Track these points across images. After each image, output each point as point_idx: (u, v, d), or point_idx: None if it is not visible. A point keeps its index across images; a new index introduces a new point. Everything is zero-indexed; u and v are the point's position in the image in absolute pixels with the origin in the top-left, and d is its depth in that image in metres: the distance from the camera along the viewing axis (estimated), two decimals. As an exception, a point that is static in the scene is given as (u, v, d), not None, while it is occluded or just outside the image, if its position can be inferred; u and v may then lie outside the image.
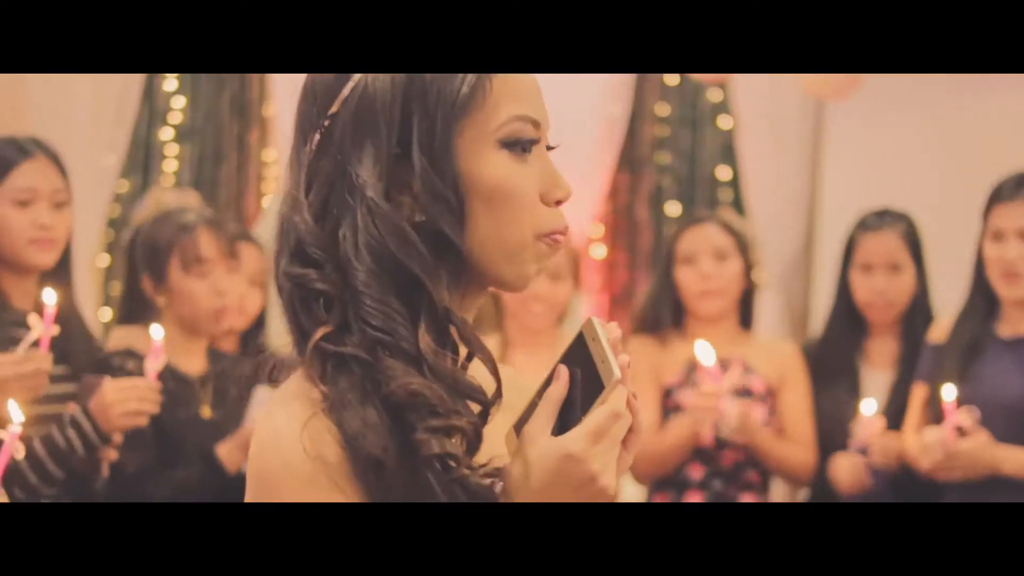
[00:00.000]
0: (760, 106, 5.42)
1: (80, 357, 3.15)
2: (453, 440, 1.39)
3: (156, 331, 3.09)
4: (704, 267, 3.95)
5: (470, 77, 1.44)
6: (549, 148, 1.52)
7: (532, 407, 1.45)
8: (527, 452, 1.40)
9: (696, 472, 3.86)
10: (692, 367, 3.81)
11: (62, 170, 3.16)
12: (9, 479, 2.74)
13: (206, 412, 3.37)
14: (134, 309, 3.42)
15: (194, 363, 3.42)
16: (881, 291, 3.92)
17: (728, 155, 5.65)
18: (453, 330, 1.44)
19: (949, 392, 3.40)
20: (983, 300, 3.58)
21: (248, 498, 1.42)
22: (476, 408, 1.44)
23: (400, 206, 1.43)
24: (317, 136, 1.46)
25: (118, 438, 3.04)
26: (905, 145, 5.26)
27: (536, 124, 1.48)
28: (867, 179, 5.29)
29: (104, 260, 5.39)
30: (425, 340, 1.41)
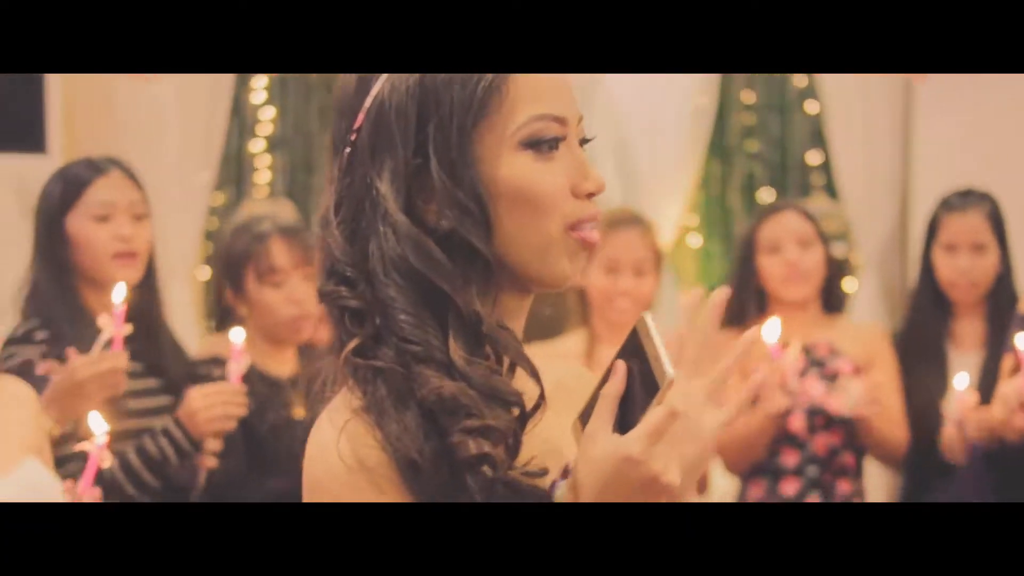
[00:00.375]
0: (847, 89, 5.39)
1: (171, 369, 3.22)
2: (490, 442, 1.40)
3: (236, 335, 3.15)
4: (789, 254, 3.95)
5: (484, 81, 1.45)
6: (585, 141, 1.52)
7: (593, 401, 1.46)
8: (588, 451, 1.41)
9: (790, 459, 3.85)
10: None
11: (138, 184, 3.23)
12: (108, 490, 2.80)
13: (299, 413, 3.40)
14: (224, 318, 3.47)
15: (284, 366, 3.46)
16: (965, 271, 3.89)
17: (817, 140, 5.63)
18: (489, 339, 1.44)
19: (1023, 341, 3.37)
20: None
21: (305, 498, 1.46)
22: (515, 412, 1.44)
23: (424, 213, 1.45)
24: (347, 152, 1.48)
25: (215, 445, 3.10)
26: (996, 124, 5.20)
27: (560, 121, 1.47)
28: (958, 159, 5.23)
29: (205, 273, 5.48)
30: (455, 348, 1.42)
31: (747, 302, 3.97)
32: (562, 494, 1.47)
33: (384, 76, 1.46)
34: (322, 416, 1.47)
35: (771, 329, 3.58)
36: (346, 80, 1.50)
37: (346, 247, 1.46)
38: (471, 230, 1.44)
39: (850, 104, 5.43)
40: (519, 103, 1.45)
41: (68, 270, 3.14)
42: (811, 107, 5.60)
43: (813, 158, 5.65)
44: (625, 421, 1.42)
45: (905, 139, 5.51)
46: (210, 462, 3.11)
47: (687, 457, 1.42)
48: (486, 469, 1.39)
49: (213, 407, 3.05)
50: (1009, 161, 5.08)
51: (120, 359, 2.89)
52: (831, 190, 5.61)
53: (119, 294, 2.89)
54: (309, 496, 1.45)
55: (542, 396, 1.47)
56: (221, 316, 3.49)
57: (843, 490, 3.86)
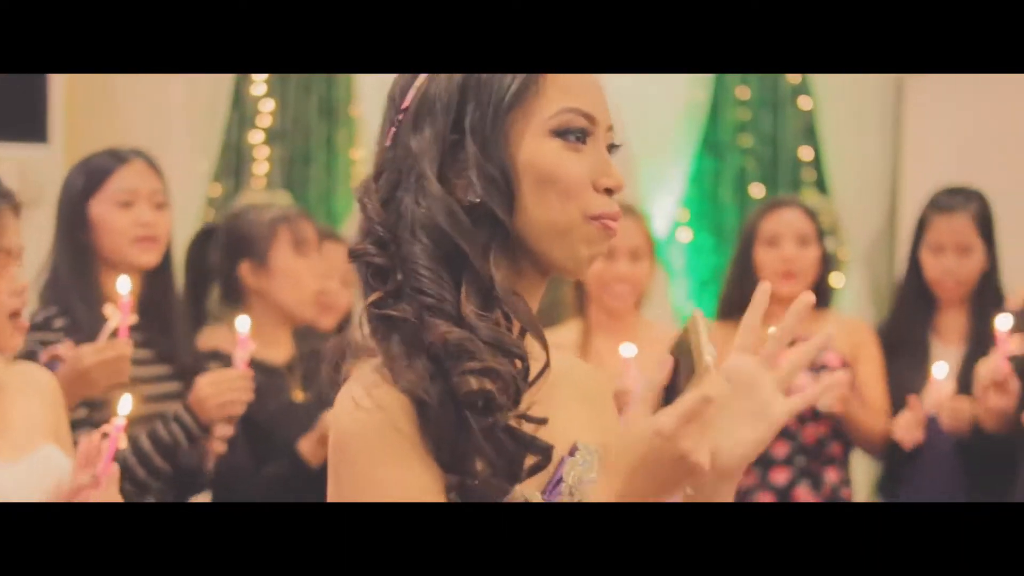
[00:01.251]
0: (840, 86, 5.47)
1: (183, 357, 3.29)
2: (491, 381, 1.50)
3: (242, 323, 3.21)
4: (787, 250, 4.02)
5: (521, 75, 1.58)
6: (614, 147, 1.63)
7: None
8: (626, 433, 1.50)
9: (780, 450, 3.93)
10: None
11: (159, 173, 3.32)
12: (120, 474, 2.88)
13: (298, 396, 3.50)
14: (227, 304, 3.56)
15: (280, 352, 3.55)
16: (950, 271, 3.97)
17: (810, 136, 5.69)
18: (501, 302, 1.56)
19: (1003, 321, 3.46)
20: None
21: (330, 466, 1.56)
22: (519, 365, 1.55)
23: (455, 187, 1.57)
24: (392, 130, 1.61)
25: (225, 430, 3.18)
26: (986, 121, 5.27)
27: (588, 117, 1.59)
28: (949, 155, 5.31)
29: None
30: (467, 303, 1.54)
31: (746, 293, 4.03)
32: (571, 472, 1.58)
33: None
34: (346, 383, 1.58)
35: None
36: (402, 75, 1.63)
37: (380, 210, 1.58)
38: (497, 203, 1.56)
39: (842, 101, 5.52)
40: (553, 94, 1.59)
41: (88, 257, 3.21)
42: (804, 103, 5.67)
43: (805, 154, 5.71)
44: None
45: (896, 136, 5.59)
46: (220, 447, 3.19)
47: (751, 439, 1.53)
48: (489, 406, 1.50)
49: (221, 393, 3.12)
50: (998, 159, 5.15)
51: (125, 347, 2.96)
52: (822, 186, 5.68)
53: (124, 285, 2.96)
54: (335, 454, 1.54)
55: (548, 363, 1.57)
56: (225, 300, 3.57)
57: (831, 478, 3.95)
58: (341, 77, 5.58)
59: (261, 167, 5.57)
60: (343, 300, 3.96)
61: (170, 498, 3.20)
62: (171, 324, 3.27)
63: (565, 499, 1.58)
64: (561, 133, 1.58)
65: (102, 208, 3.23)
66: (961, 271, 3.97)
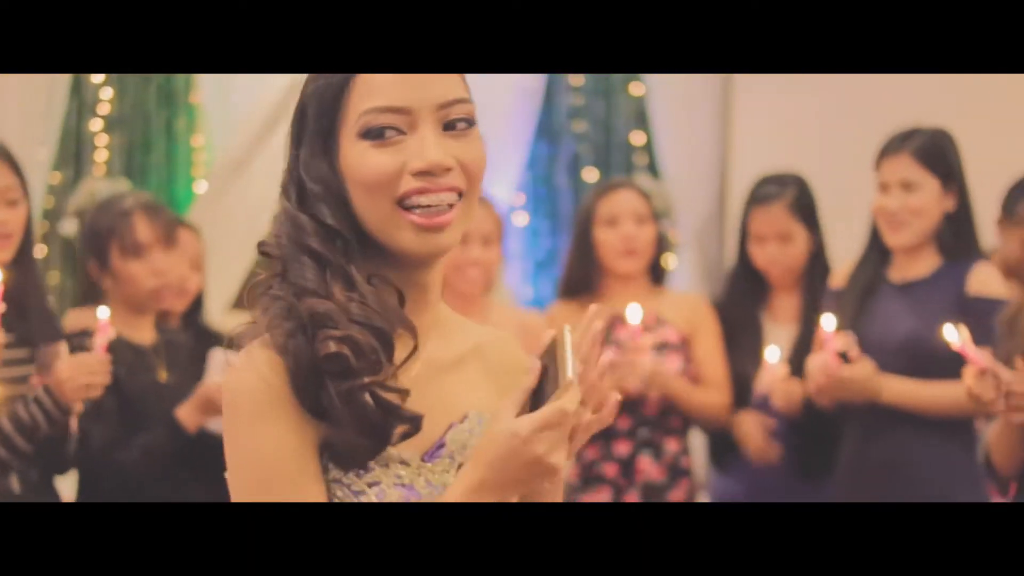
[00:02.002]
0: (670, 73, 5.63)
1: (41, 341, 3.34)
2: (349, 348, 1.65)
3: (102, 312, 3.33)
4: (625, 229, 4.17)
5: (335, 84, 1.73)
6: (457, 123, 1.73)
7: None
8: (491, 427, 1.66)
9: (623, 423, 4.08)
10: (610, 326, 4.03)
11: (14, 169, 3.34)
12: None
13: (162, 376, 3.62)
14: (88, 293, 3.66)
15: (144, 334, 3.66)
16: (775, 259, 4.15)
17: (642, 121, 5.86)
18: (366, 286, 1.71)
19: (828, 322, 3.64)
20: (876, 248, 3.84)
21: (224, 428, 1.72)
22: (379, 339, 1.69)
23: (302, 197, 1.74)
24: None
25: (79, 407, 3.26)
26: (810, 106, 5.48)
27: (397, 111, 1.71)
28: (776, 139, 5.51)
29: (41, 251, 5.51)
30: (334, 286, 1.70)
31: (587, 272, 4.19)
32: (455, 438, 1.74)
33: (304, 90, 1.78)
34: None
35: (634, 312, 3.79)
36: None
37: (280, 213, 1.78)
38: (330, 208, 1.73)
39: (673, 87, 5.69)
40: (358, 98, 1.72)
41: None
42: (636, 89, 5.83)
43: (637, 138, 5.88)
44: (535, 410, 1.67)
45: (724, 121, 5.78)
46: (75, 426, 3.25)
47: (571, 449, 1.69)
48: (342, 370, 1.65)
49: (79, 376, 3.20)
50: (823, 141, 5.37)
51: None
52: (654, 170, 5.85)
53: None
54: (223, 413, 1.71)
55: (415, 347, 1.73)
56: (85, 289, 3.66)
57: (671, 448, 4.11)
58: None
59: (101, 155, 5.57)
60: (193, 284, 4.06)
61: (33, 476, 3.29)
62: (28, 311, 3.31)
63: (445, 464, 1.72)
64: (365, 134, 1.72)
65: None
66: (785, 258, 4.15)
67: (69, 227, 5.34)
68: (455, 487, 1.67)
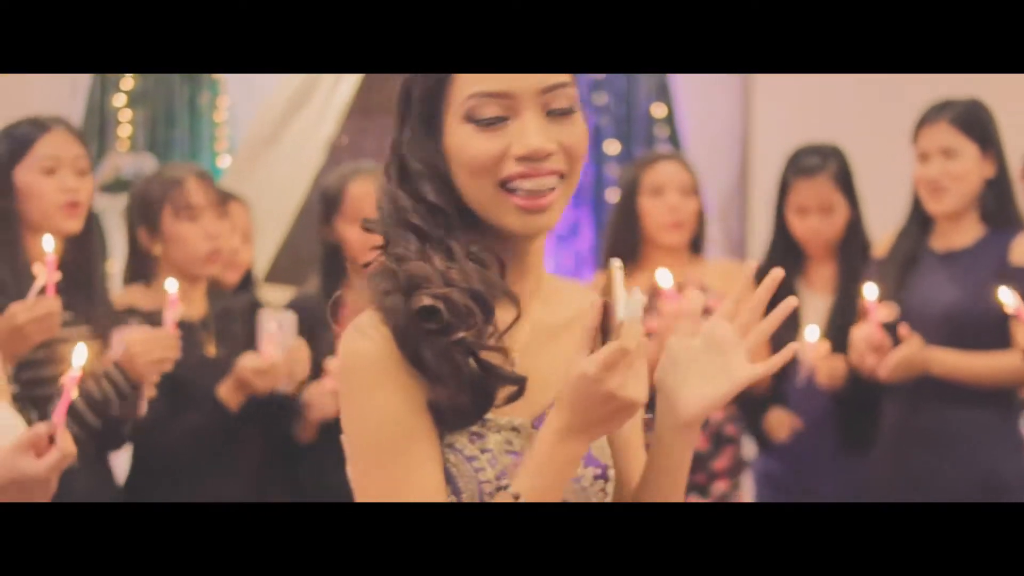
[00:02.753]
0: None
1: (102, 318, 3.36)
2: (445, 307, 1.71)
3: (171, 284, 3.31)
4: (671, 199, 4.17)
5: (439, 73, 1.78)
6: (557, 111, 1.77)
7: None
8: (566, 372, 1.69)
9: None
10: (651, 295, 4.03)
11: (81, 140, 3.40)
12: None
13: (211, 351, 3.61)
14: (136, 268, 3.65)
15: (194, 308, 3.63)
16: (816, 231, 4.13)
17: (663, 93, 5.87)
18: (470, 256, 1.76)
19: (871, 291, 3.65)
20: (918, 217, 3.85)
21: (339, 394, 1.78)
22: (479, 305, 1.75)
23: (411, 176, 1.79)
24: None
25: (150, 387, 3.28)
26: (832, 80, 5.48)
27: (501, 96, 1.75)
28: (798, 110, 5.52)
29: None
30: (435, 257, 1.75)
31: (628, 240, 4.18)
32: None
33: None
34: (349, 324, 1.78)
35: (664, 277, 3.77)
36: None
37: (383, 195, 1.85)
38: (435, 188, 1.78)
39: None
40: (464, 82, 1.77)
41: (13, 222, 3.27)
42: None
43: (658, 111, 5.89)
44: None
45: (746, 92, 5.79)
46: (144, 406, 3.28)
47: (712, 394, 1.77)
48: (438, 325, 1.70)
49: (152, 352, 3.23)
50: (842, 115, 5.38)
51: (54, 304, 3.03)
52: (675, 142, 5.86)
53: (49, 243, 3.02)
54: (340, 378, 1.77)
55: (519, 314, 1.77)
56: (133, 264, 3.66)
57: (715, 415, 4.12)
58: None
59: (125, 129, 5.58)
60: (244, 257, 4.05)
61: (90, 451, 3.28)
62: (92, 287, 3.34)
63: None
64: (471, 118, 1.76)
65: (28, 175, 3.29)
66: (827, 230, 4.13)
67: (97, 202, 5.34)
68: (544, 433, 1.69)
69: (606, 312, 1.68)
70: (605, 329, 1.68)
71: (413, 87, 1.79)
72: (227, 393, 3.51)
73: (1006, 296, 3.11)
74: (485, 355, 1.72)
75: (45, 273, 3.00)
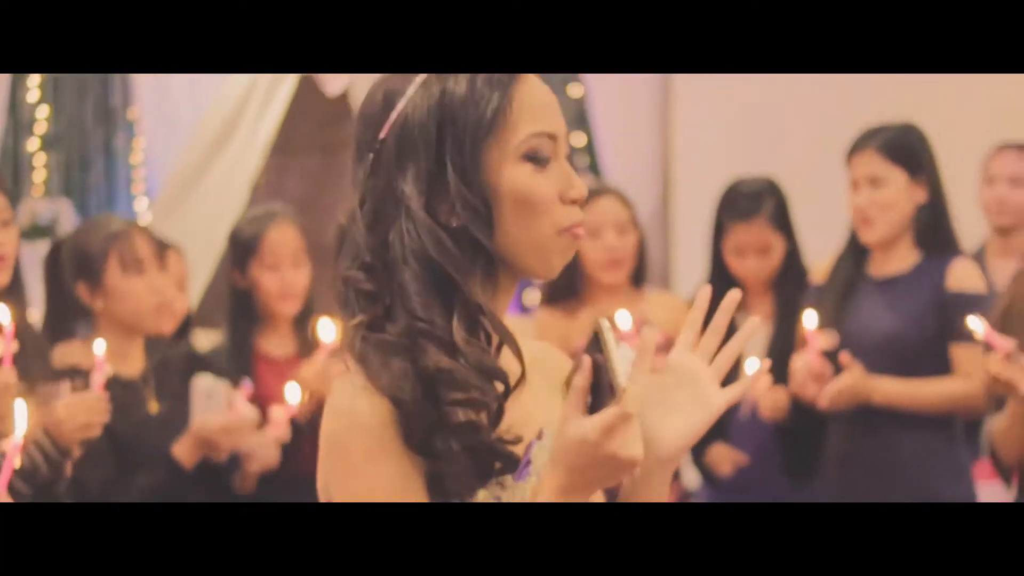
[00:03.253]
0: (609, 74, 5.64)
1: (38, 373, 3.24)
2: (475, 411, 1.65)
3: (98, 346, 3.19)
4: (609, 240, 4.13)
5: (493, 102, 1.70)
6: (571, 154, 1.77)
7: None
8: (561, 433, 1.65)
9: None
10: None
11: (4, 190, 3.27)
12: None
13: (153, 407, 3.50)
14: (60, 321, 3.52)
15: (133, 365, 3.53)
16: (755, 270, 4.13)
17: (582, 122, 5.88)
18: (485, 322, 1.69)
19: (810, 319, 3.67)
20: (854, 243, 3.87)
21: (330, 473, 1.70)
22: (500, 388, 1.69)
23: (439, 214, 1.69)
24: (370, 157, 1.73)
25: (77, 451, 3.14)
26: (752, 103, 5.52)
27: (552, 137, 1.73)
28: (718, 137, 5.55)
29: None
30: (458, 330, 1.67)
31: (571, 281, 4.14)
32: (538, 455, 1.71)
33: (407, 95, 1.72)
34: (331, 392, 1.71)
35: (623, 317, 3.74)
36: (373, 95, 1.75)
37: (368, 237, 1.71)
38: (479, 228, 1.70)
39: (611, 88, 5.71)
40: (520, 121, 1.71)
41: None
42: (575, 90, 5.84)
43: (577, 140, 5.89)
44: (597, 404, 1.65)
45: (665, 118, 5.81)
46: (69, 469, 3.14)
47: (688, 428, 1.73)
48: (474, 433, 1.65)
49: (77, 416, 3.09)
50: (763, 139, 5.42)
51: (11, 376, 2.91)
52: (595, 170, 5.87)
53: (4, 314, 2.90)
54: (324, 453, 1.70)
55: (523, 374, 1.73)
56: (56, 317, 3.53)
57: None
58: (117, 78, 5.51)
59: (40, 174, 5.47)
60: (180, 305, 3.97)
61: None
62: (25, 343, 3.21)
63: (534, 481, 1.72)
64: (531, 157, 1.71)
65: None
66: (765, 268, 4.13)
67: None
68: (541, 494, 1.66)
69: (595, 370, 1.66)
70: (594, 388, 1.66)
71: (456, 114, 1.70)
72: (183, 452, 3.41)
73: (975, 324, 3.12)
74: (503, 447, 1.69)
75: (2, 343, 2.90)
